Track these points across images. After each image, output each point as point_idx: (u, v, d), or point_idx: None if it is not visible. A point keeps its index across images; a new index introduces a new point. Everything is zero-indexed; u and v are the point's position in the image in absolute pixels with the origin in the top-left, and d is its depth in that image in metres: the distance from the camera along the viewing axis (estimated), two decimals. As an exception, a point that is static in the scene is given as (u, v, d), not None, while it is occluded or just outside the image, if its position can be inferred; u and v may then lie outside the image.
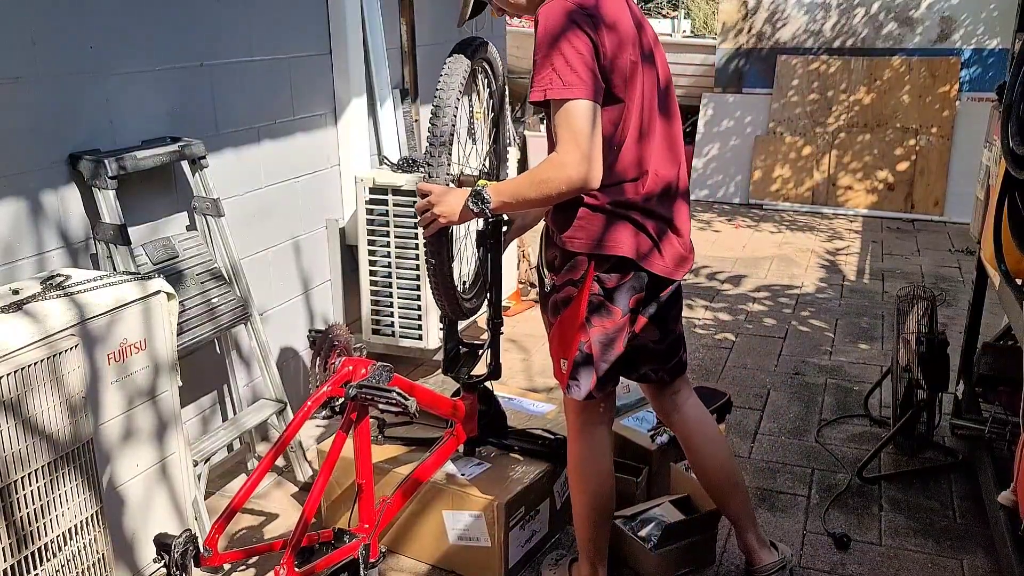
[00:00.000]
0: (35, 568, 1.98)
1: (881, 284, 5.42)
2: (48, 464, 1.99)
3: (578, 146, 1.93)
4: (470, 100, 2.56)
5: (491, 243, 2.56)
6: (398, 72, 4.03)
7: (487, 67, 2.63)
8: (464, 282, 2.66)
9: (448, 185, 2.30)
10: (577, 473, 2.32)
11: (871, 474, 3.13)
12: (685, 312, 4.85)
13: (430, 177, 2.29)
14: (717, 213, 7.28)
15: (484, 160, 2.79)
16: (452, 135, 2.31)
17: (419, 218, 2.27)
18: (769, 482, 3.13)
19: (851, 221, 7.04)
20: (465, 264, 2.82)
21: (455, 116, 2.31)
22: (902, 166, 7.06)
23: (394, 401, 2.15)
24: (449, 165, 2.33)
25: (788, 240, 6.46)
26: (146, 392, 2.34)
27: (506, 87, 2.76)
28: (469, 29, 4.68)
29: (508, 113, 2.84)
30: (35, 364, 1.94)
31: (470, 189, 2.17)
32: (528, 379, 3.99)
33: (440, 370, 2.83)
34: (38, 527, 1.98)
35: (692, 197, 7.74)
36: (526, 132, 8.52)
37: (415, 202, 3.45)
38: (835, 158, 7.24)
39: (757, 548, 2.46)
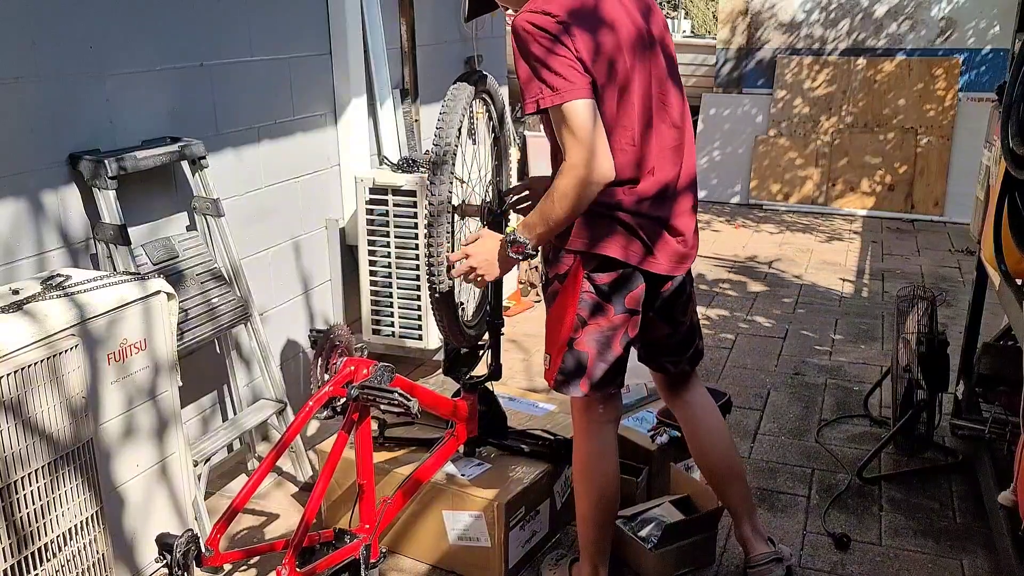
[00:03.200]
0: (35, 568, 1.98)
1: (881, 284, 5.42)
2: (48, 464, 1.99)
3: (582, 145, 1.94)
4: (471, 121, 2.58)
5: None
6: (398, 72, 4.03)
7: (488, 98, 2.64)
8: (463, 304, 2.65)
9: (449, 209, 2.31)
10: (582, 472, 2.32)
11: (871, 474, 3.14)
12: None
13: (432, 194, 2.29)
14: (717, 213, 7.29)
15: (486, 191, 2.79)
16: (454, 155, 2.31)
17: (464, 279, 2.22)
18: (769, 482, 3.13)
19: (851, 221, 7.05)
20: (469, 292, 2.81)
21: (458, 137, 2.31)
22: (902, 166, 7.06)
23: (396, 402, 2.15)
24: (452, 185, 2.34)
25: (788, 240, 6.47)
26: (146, 392, 2.34)
27: (505, 122, 2.79)
28: (470, 29, 4.69)
29: (510, 158, 2.86)
30: (35, 364, 1.94)
31: (500, 238, 2.14)
32: (528, 379, 3.99)
33: (440, 370, 2.83)
34: (38, 527, 1.98)
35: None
36: (526, 132, 8.53)
37: (415, 202, 3.47)
38: (835, 158, 7.24)
39: (752, 539, 2.46)
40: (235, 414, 3.14)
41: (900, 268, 5.76)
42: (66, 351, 2.02)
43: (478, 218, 2.57)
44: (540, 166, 8.49)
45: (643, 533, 2.59)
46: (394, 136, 3.99)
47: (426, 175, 3.48)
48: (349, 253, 3.75)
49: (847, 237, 6.57)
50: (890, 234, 6.66)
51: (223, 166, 3.06)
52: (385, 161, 3.82)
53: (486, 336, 2.71)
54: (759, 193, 7.46)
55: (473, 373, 2.68)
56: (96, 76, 2.56)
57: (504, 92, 5.28)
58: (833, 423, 3.57)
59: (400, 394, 2.15)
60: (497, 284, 2.61)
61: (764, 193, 7.44)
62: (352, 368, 2.30)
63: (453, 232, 2.47)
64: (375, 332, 3.68)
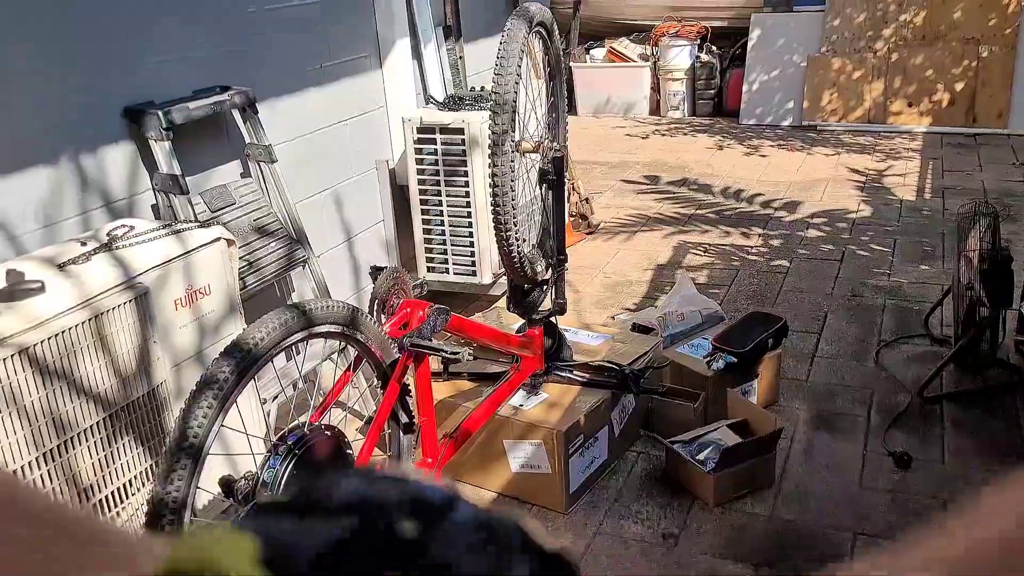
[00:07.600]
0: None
1: (942, 202, 5.29)
2: (120, 410, 2.08)
3: None
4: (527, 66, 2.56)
5: (553, 179, 2.55)
6: (440, 10, 3.99)
7: (544, 33, 2.60)
8: (526, 240, 2.65)
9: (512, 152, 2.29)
10: None
11: (932, 394, 3.11)
12: (740, 239, 4.81)
13: (495, 147, 2.28)
14: (768, 138, 7.13)
15: (542, 124, 2.77)
16: (514, 101, 2.30)
17: None
18: (828, 405, 3.12)
19: (910, 139, 6.84)
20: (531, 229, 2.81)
21: (517, 82, 2.30)
22: (962, 80, 6.81)
23: (445, 355, 2.19)
24: (513, 131, 2.33)
25: (844, 161, 6.32)
26: (214, 334, 2.41)
27: (560, 52, 2.75)
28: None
29: (564, 93, 2.83)
30: (112, 310, 2.02)
31: None
32: (579, 313, 4.01)
33: (503, 304, 2.85)
34: (99, 479, 2.04)
35: (743, 121, 7.58)
36: (572, 64, 8.40)
37: (463, 140, 3.47)
38: (892, 74, 7.01)
39: None
40: (298, 353, 3.22)
41: (962, 184, 5.60)
42: (137, 298, 2.09)
43: (536, 154, 2.57)
44: (586, 98, 8.39)
45: (701, 457, 2.62)
46: (439, 75, 3.97)
47: (472, 111, 3.48)
48: (400, 193, 3.78)
49: (906, 155, 6.39)
50: (951, 150, 6.46)
51: (272, 112, 3.09)
52: (431, 100, 3.82)
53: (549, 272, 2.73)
54: (812, 114, 7.27)
55: (539, 308, 2.70)
56: (147, 28, 2.59)
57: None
58: (893, 344, 3.53)
59: (448, 349, 2.18)
60: (560, 220, 2.62)
61: (818, 114, 7.25)
62: (408, 310, 2.34)
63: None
64: (429, 270, 3.72)
